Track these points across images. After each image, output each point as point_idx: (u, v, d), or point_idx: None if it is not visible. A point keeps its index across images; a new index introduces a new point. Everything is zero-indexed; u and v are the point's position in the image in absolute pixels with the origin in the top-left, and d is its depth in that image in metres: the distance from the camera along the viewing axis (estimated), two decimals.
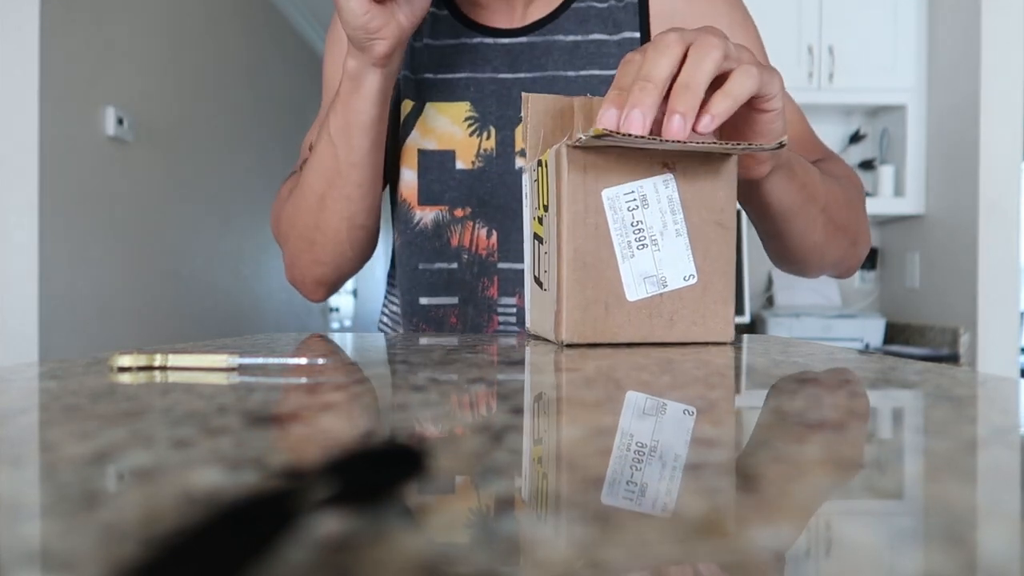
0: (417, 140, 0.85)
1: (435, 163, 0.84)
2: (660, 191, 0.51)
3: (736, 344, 0.56)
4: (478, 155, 0.84)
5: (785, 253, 0.77)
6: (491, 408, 0.26)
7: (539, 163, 0.55)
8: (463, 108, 0.84)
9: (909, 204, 2.53)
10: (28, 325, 1.94)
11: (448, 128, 0.84)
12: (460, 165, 0.84)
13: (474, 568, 0.12)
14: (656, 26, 0.83)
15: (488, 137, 0.84)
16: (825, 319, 2.45)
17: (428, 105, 0.84)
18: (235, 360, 0.38)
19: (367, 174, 0.75)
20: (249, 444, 0.20)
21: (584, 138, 0.46)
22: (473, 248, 0.83)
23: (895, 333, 2.62)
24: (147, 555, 0.09)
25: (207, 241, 2.89)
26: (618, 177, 0.51)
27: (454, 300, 0.84)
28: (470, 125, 0.84)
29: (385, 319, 0.99)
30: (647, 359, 0.43)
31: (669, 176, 0.51)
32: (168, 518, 0.14)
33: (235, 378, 0.34)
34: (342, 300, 5.41)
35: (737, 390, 0.32)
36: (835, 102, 2.56)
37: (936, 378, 0.35)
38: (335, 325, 5.21)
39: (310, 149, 0.83)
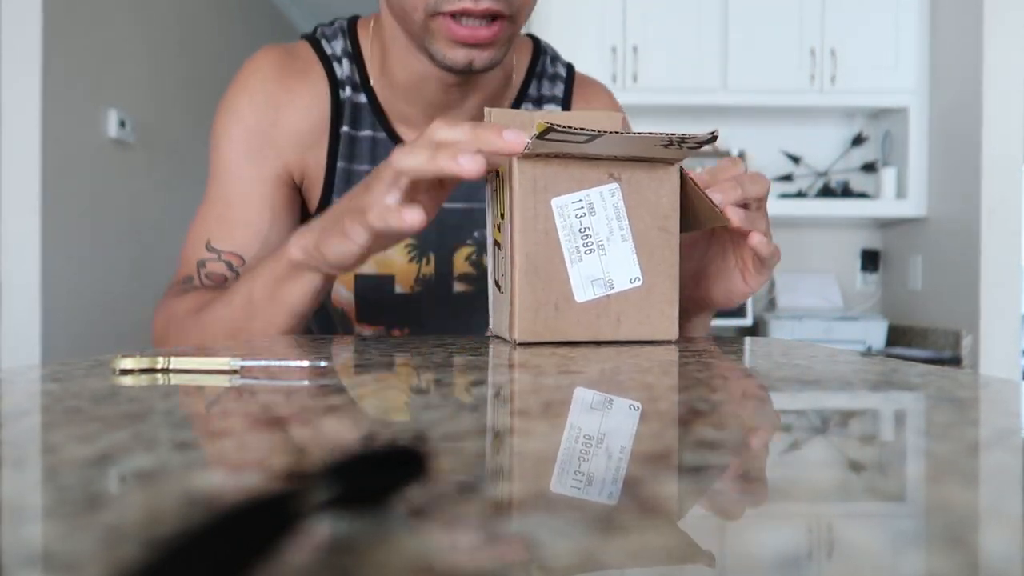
0: None
1: (372, 286, 0.83)
2: (606, 199, 0.55)
3: (737, 346, 0.56)
4: (417, 280, 0.84)
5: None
6: (481, 404, 0.26)
7: (497, 174, 0.59)
8: None
9: (911, 206, 2.53)
10: (30, 327, 1.94)
11: (388, 255, 0.82)
12: (399, 289, 0.83)
13: (475, 570, 0.12)
14: None
15: (428, 263, 0.84)
16: (827, 321, 2.44)
17: None
18: (237, 362, 0.38)
19: (292, 326, 0.69)
20: (251, 446, 0.20)
21: (531, 142, 0.50)
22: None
23: (897, 335, 2.62)
24: (149, 557, 0.09)
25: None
26: (567, 186, 0.54)
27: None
28: (409, 252, 0.83)
29: None
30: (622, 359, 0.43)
31: (615, 185, 0.55)
32: (170, 520, 0.14)
33: (237, 380, 0.34)
34: None
35: (741, 392, 0.32)
36: (837, 104, 2.56)
37: (938, 380, 0.35)
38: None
39: (207, 248, 0.79)
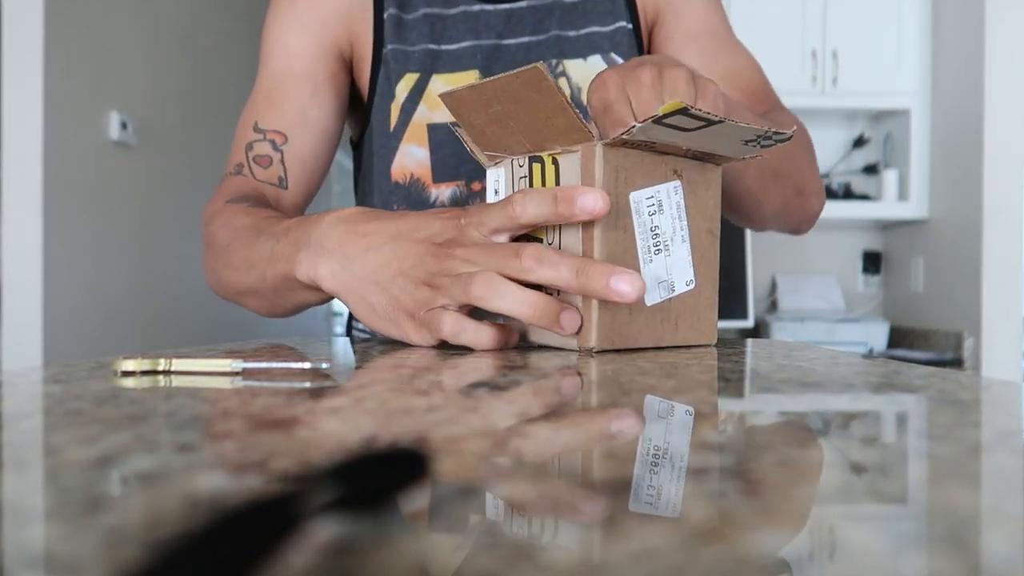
0: (425, 115, 0.80)
1: (448, 136, 0.79)
2: (671, 197, 0.53)
3: (739, 348, 0.56)
4: None
5: (762, 212, 0.77)
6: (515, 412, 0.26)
7: (536, 159, 0.53)
8: (471, 77, 0.79)
9: (913, 208, 2.53)
10: (32, 329, 1.94)
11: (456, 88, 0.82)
12: None
13: (477, 572, 0.12)
14: None
15: None
16: (829, 323, 2.44)
17: (434, 77, 0.80)
18: (239, 364, 0.38)
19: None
20: (253, 448, 0.20)
21: (639, 127, 0.46)
22: None
23: (899, 337, 2.61)
24: (150, 559, 0.09)
25: None
26: (642, 180, 0.51)
27: None
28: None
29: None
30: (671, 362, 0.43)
31: (679, 183, 0.53)
32: (171, 522, 0.14)
33: (239, 382, 0.34)
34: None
35: (741, 393, 0.32)
36: (839, 106, 2.56)
37: (940, 382, 0.35)
38: (338, 330, 5.22)
39: (254, 130, 0.79)
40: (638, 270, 0.51)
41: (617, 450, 0.20)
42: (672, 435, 0.23)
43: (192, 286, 2.72)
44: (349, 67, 0.84)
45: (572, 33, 0.81)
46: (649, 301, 0.52)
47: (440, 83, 0.79)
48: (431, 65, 0.80)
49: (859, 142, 2.72)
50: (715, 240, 0.55)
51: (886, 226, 2.80)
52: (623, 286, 0.45)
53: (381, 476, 0.15)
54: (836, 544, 0.13)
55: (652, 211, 0.52)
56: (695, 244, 0.54)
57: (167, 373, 0.38)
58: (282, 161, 0.80)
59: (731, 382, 0.36)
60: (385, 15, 0.80)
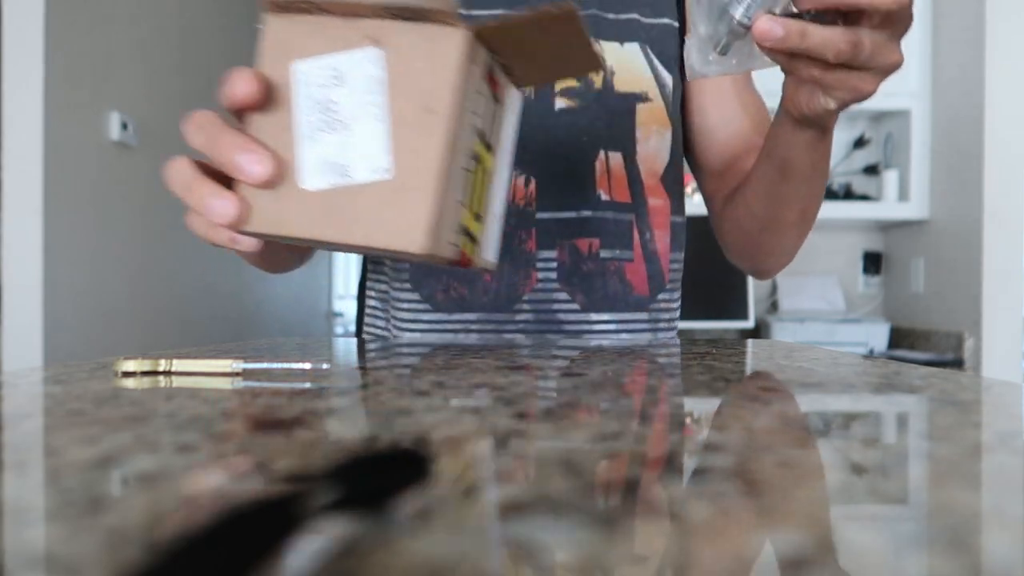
0: None
1: None
2: (361, 68, 0.45)
3: (739, 349, 0.56)
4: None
5: (755, 223, 0.71)
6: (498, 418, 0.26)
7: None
8: None
9: (913, 209, 2.53)
10: (33, 330, 1.94)
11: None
12: None
13: (478, 573, 0.12)
14: None
15: None
16: (829, 324, 2.44)
17: None
18: (239, 365, 0.38)
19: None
20: (253, 449, 0.20)
21: None
22: (510, 197, 0.75)
23: (899, 338, 2.61)
24: (151, 560, 0.09)
25: (211, 246, 2.89)
26: (317, 49, 0.45)
27: None
28: None
29: (377, 319, 0.84)
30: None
31: (375, 51, 0.45)
32: (172, 523, 0.14)
33: (239, 383, 0.34)
34: (346, 305, 5.41)
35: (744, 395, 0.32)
36: None
37: (941, 383, 0.35)
38: (339, 330, 5.22)
39: None
40: (292, 149, 0.44)
41: (612, 451, 0.20)
42: (672, 435, 0.23)
43: (193, 286, 2.72)
44: None
45: (611, 16, 0.77)
46: (311, 185, 0.44)
47: None
48: None
49: (860, 143, 2.72)
50: (437, 121, 0.44)
51: (887, 227, 2.80)
52: (249, 166, 0.42)
53: (381, 477, 0.15)
54: (837, 544, 0.13)
55: (326, 84, 0.45)
56: (399, 126, 0.44)
57: (168, 374, 0.38)
58: None
59: (731, 383, 0.36)
60: None
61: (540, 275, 0.76)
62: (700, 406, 0.28)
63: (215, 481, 0.17)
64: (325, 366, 0.40)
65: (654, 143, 0.79)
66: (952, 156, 2.40)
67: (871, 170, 2.72)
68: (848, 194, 2.68)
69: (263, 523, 0.11)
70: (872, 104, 2.54)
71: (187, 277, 2.69)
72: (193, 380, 0.35)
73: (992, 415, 0.27)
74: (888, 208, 2.57)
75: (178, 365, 0.38)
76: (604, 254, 0.78)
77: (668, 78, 0.79)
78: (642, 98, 0.78)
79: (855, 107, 2.60)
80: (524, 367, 0.42)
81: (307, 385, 0.33)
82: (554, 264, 0.76)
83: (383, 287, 0.82)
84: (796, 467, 0.19)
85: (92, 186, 2.14)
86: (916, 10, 2.51)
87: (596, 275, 0.77)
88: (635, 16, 0.77)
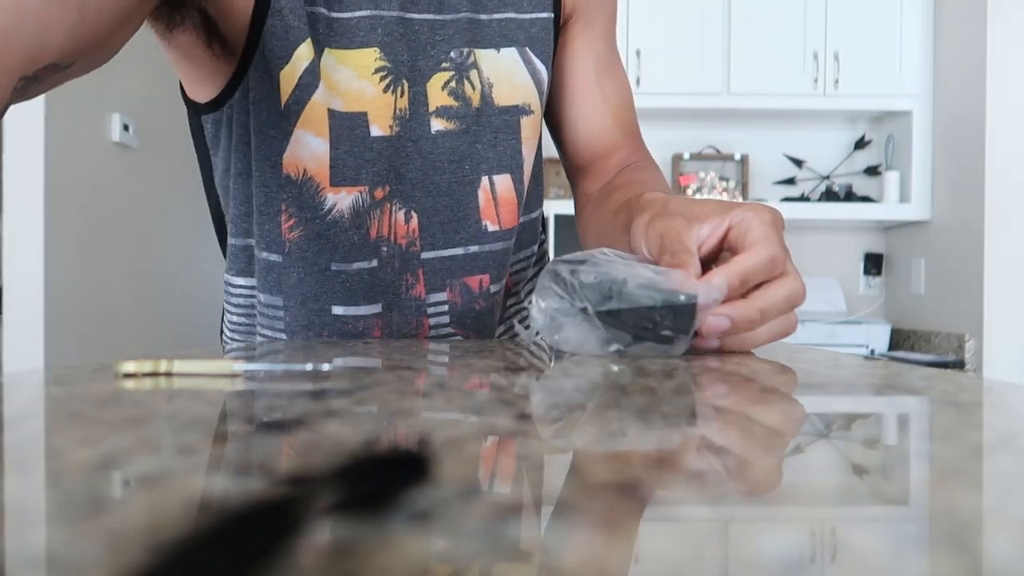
0: (324, 97, 0.63)
1: (346, 130, 0.64)
2: None
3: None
4: (394, 117, 0.66)
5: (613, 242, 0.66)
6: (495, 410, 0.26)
7: None
8: (371, 56, 0.64)
9: (914, 210, 2.53)
10: (34, 331, 1.94)
11: (355, 83, 0.64)
12: (376, 131, 0.65)
13: (479, 573, 0.12)
14: None
15: (402, 94, 0.66)
16: (830, 325, 2.44)
17: (326, 52, 0.63)
18: (240, 366, 0.38)
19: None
20: (254, 450, 0.20)
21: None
22: (392, 238, 0.67)
23: (900, 339, 2.61)
24: (152, 561, 0.09)
25: (212, 247, 2.89)
26: None
27: (377, 308, 0.68)
28: (383, 79, 0.65)
29: (235, 332, 0.76)
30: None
31: None
32: (173, 524, 0.14)
33: (240, 384, 0.34)
34: None
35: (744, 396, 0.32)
36: (840, 108, 2.56)
37: (941, 384, 0.35)
38: None
39: None
40: None
41: (619, 454, 0.20)
42: (672, 436, 0.23)
43: (194, 287, 2.72)
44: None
45: (484, 17, 0.69)
46: None
47: (332, 60, 0.63)
48: (322, 36, 0.63)
49: (861, 144, 2.72)
50: None
51: (888, 228, 2.80)
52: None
53: (383, 478, 0.15)
54: (838, 546, 0.13)
55: None
56: None
57: (169, 375, 0.38)
58: None
59: (732, 385, 0.36)
60: None
61: (432, 320, 0.70)
62: (700, 406, 0.28)
63: (216, 482, 0.17)
64: (326, 367, 0.40)
65: (535, 155, 0.74)
66: (953, 157, 2.40)
67: (872, 171, 2.72)
68: (849, 195, 2.68)
69: (264, 525, 0.11)
70: (873, 105, 2.55)
71: (188, 277, 2.69)
72: (194, 381, 0.35)
73: (993, 416, 0.27)
74: (889, 209, 2.57)
75: (179, 366, 0.38)
76: (494, 289, 0.72)
77: (545, 74, 0.73)
78: (525, 111, 0.71)
79: (855, 108, 2.60)
80: (525, 367, 0.42)
81: (308, 386, 0.33)
82: (445, 308, 0.70)
83: (267, 331, 0.72)
84: (796, 468, 0.19)
85: (93, 187, 2.15)
86: (918, 12, 2.51)
87: (486, 312, 0.72)
88: (511, 15, 0.70)
